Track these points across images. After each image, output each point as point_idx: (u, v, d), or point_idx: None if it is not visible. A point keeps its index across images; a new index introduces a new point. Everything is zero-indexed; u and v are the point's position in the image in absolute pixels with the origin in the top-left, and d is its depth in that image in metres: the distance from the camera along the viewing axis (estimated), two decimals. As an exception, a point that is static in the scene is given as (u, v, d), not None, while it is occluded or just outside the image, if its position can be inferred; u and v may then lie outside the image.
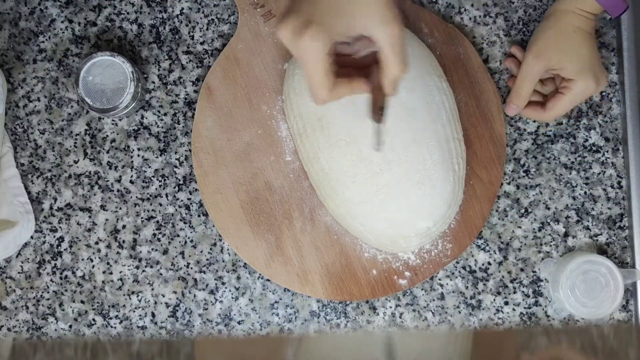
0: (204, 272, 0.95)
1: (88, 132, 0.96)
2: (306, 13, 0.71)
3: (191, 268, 0.95)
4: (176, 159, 0.95)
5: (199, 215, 0.95)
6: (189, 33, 0.96)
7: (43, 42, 0.96)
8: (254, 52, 0.94)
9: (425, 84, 0.88)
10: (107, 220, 0.95)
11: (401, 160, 0.86)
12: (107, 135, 0.96)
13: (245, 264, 0.94)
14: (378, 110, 0.75)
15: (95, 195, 0.95)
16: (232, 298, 0.94)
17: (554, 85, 0.93)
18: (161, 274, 0.95)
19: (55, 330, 0.94)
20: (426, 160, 0.87)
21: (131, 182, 0.95)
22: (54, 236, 0.95)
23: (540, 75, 0.90)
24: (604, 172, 0.95)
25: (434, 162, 0.87)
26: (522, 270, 0.95)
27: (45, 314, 0.94)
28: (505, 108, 0.93)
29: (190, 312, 0.94)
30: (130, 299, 0.94)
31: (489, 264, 0.95)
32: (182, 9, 0.96)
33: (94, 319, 0.94)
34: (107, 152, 0.95)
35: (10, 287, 0.94)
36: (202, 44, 0.96)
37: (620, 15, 0.89)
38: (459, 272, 0.95)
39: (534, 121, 0.96)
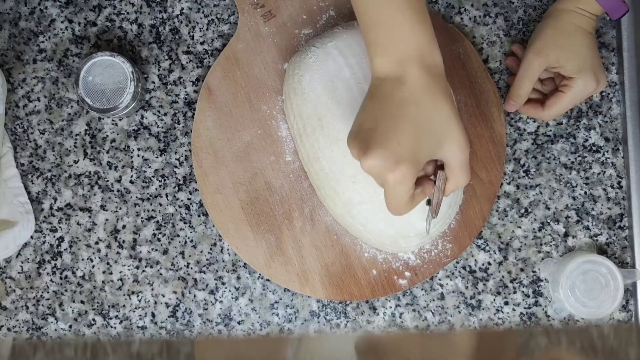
0: (204, 272, 0.95)
1: (88, 132, 0.96)
2: (397, 149, 0.73)
3: (191, 268, 0.95)
4: (176, 159, 0.96)
5: (199, 215, 0.95)
6: (189, 33, 0.96)
7: (43, 42, 0.96)
8: (254, 52, 0.94)
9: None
10: (107, 220, 0.95)
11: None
12: (107, 135, 0.96)
13: (245, 264, 0.94)
14: (438, 207, 0.80)
15: (95, 195, 0.95)
16: (232, 298, 0.94)
17: (554, 85, 0.93)
18: (161, 274, 0.95)
19: (55, 330, 0.94)
20: (426, 160, 0.87)
21: (131, 182, 0.95)
22: (54, 236, 0.95)
23: (539, 72, 0.90)
24: (604, 172, 0.95)
25: (434, 162, 0.87)
26: (522, 270, 0.95)
27: (45, 314, 0.94)
28: (505, 104, 0.93)
29: (190, 312, 0.94)
30: (130, 299, 0.94)
31: (489, 264, 0.95)
32: (182, 9, 0.96)
33: (94, 319, 0.94)
34: (107, 152, 0.95)
35: (10, 287, 0.94)
36: (202, 44, 0.96)
37: (620, 17, 0.89)
38: (459, 272, 0.95)
39: (534, 121, 0.96)
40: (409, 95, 0.74)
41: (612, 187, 0.95)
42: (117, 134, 0.96)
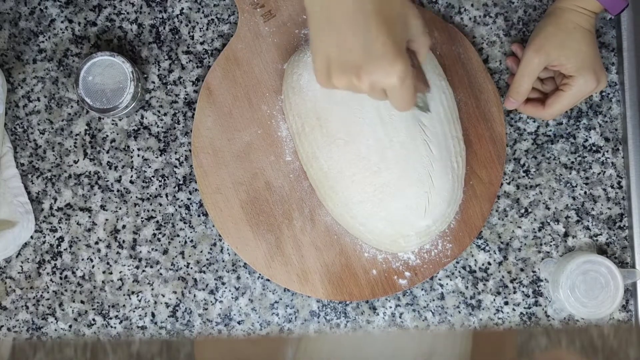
0: (204, 272, 0.95)
1: (88, 132, 0.96)
2: (383, 49, 0.70)
3: (191, 268, 0.95)
4: (176, 159, 0.96)
5: (199, 215, 0.95)
6: (189, 33, 0.96)
7: (43, 42, 0.96)
8: (254, 52, 0.94)
9: (424, 82, 0.88)
10: (107, 220, 0.95)
11: (399, 158, 0.86)
12: (107, 135, 0.96)
13: (245, 264, 0.94)
14: (426, 80, 0.78)
15: (95, 195, 0.95)
16: (232, 298, 0.94)
17: (555, 85, 0.93)
18: (161, 274, 0.95)
19: (55, 330, 0.94)
20: (424, 158, 0.87)
21: (131, 182, 0.95)
22: (54, 236, 0.95)
23: (539, 70, 0.89)
24: (604, 172, 0.95)
25: (433, 160, 0.87)
26: (522, 270, 0.95)
27: (45, 314, 0.94)
28: (504, 102, 0.93)
29: (190, 312, 0.94)
30: (130, 299, 0.94)
31: (489, 264, 0.95)
32: (182, 9, 0.97)
33: (94, 319, 0.94)
34: (107, 152, 0.95)
35: (10, 287, 0.94)
36: (202, 44, 0.96)
37: (620, 13, 0.89)
38: (459, 272, 0.95)
39: (534, 121, 0.96)
40: None
41: (612, 187, 0.95)
42: (117, 134, 0.96)
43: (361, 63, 0.71)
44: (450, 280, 0.94)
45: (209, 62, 0.96)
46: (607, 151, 0.96)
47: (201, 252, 0.95)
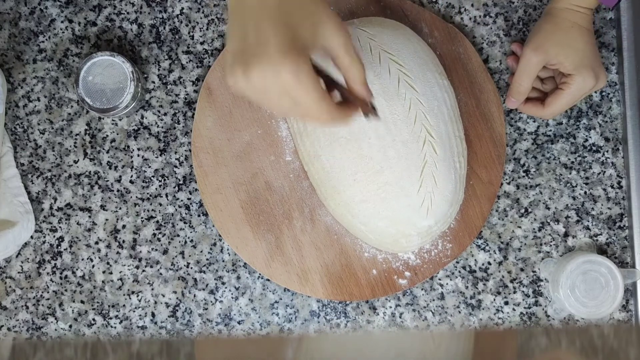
0: (204, 272, 0.95)
1: (88, 132, 0.96)
2: (276, 41, 0.67)
3: (191, 268, 0.95)
4: (176, 159, 0.96)
5: (199, 215, 0.95)
6: (189, 33, 0.96)
7: (43, 42, 0.96)
8: (254, 52, 0.94)
9: (427, 80, 0.88)
10: (107, 220, 0.95)
11: (402, 157, 0.86)
12: (107, 135, 0.96)
13: (245, 264, 0.94)
14: (372, 110, 0.74)
15: (95, 195, 0.95)
16: (232, 298, 0.94)
17: (554, 84, 0.93)
18: (161, 274, 0.95)
19: (55, 330, 0.94)
20: (427, 157, 0.87)
21: (131, 182, 0.95)
22: (54, 236, 0.95)
23: (538, 69, 0.89)
24: (604, 172, 0.95)
25: (436, 160, 0.87)
26: (522, 270, 0.95)
27: (45, 314, 0.94)
28: (505, 101, 0.93)
29: (190, 312, 0.94)
30: (130, 299, 0.94)
31: (489, 264, 0.95)
32: (182, 9, 0.97)
33: (94, 319, 0.94)
34: (107, 152, 0.95)
35: (10, 287, 0.94)
36: (202, 44, 0.96)
37: (616, 4, 0.89)
38: (459, 272, 0.95)
39: (534, 121, 0.96)
40: None
41: (612, 187, 0.95)
42: (117, 134, 0.96)
43: (253, 55, 0.67)
44: (450, 280, 0.94)
45: (209, 62, 0.96)
46: (607, 151, 0.96)
47: (201, 252, 0.95)
